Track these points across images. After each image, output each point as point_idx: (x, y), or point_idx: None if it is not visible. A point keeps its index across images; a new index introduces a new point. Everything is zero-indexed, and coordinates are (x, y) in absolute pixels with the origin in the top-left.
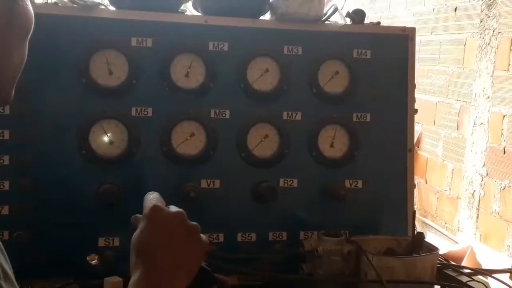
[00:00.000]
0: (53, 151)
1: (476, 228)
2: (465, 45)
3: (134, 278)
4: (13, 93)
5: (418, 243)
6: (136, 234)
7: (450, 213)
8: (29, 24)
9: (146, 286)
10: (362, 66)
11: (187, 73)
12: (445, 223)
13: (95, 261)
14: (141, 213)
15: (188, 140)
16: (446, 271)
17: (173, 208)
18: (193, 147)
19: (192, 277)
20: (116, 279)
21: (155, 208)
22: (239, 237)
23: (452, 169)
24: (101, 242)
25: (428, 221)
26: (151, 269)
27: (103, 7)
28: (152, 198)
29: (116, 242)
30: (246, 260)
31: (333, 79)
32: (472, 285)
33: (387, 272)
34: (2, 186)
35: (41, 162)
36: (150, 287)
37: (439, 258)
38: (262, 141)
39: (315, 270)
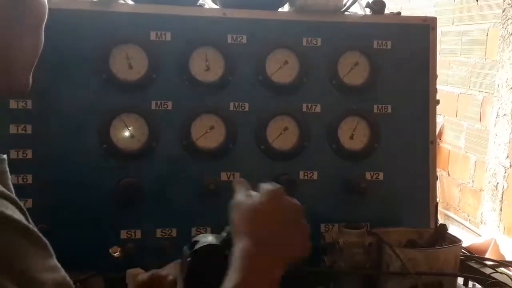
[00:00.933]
0: (75, 146)
1: (500, 220)
2: (487, 35)
3: (239, 246)
4: (30, 81)
5: (441, 235)
6: (250, 202)
7: (473, 206)
8: (41, 12)
9: (248, 257)
10: (383, 57)
11: (206, 66)
12: (468, 216)
13: (118, 253)
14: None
15: (208, 133)
16: (469, 263)
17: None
18: (212, 140)
19: (285, 267)
20: (138, 271)
21: (280, 189)
22: None
23: (475, 161)
24: (123, 234)
25: (450, 213)
26: (258, 243)
27: (121, 1)
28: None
29: (138, 234)
30: None
31: (353, 70)
32: (496, 277)
33: (409, 264)
34: (25, 180)
35: (63, 156)
36: (253, 261)
37: (462, 250)
38: (282, 134)
39: (336, 262)
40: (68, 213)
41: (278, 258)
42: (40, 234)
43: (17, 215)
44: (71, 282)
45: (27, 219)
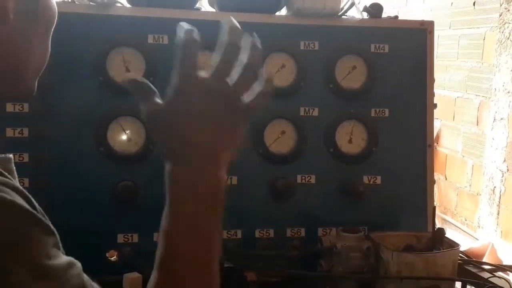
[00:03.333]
0: (71, 149)
1: (497, 224)
2: (484, 39)
3: (168, 166)
4: (35, 86)
5: (439, 239)
6: (158, 107)
7: (470, 210)
8: (52, 18)
9: (184, 170)
10: (380, 60)
11: (204, 69)
12: (465, 220)
13: (115, 257)
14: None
15: None
16: (467, 267)
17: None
18: None
19: (235, 151)
20: (135, 275)
21: (184, 76)
22: (257, 233)
23: (472, 165)
24: (120, 238)
25: (447, 217)
26: (190, 149)
27: (119, 4)
28: (184, 37)
29: (135, 238)
30: (264, 256)
31: (351, 74)
32: (494, 282)
33: (406, 269)
34: (22, 183)
35: (60, 159)
36: (192, 172)
37: (460, 255)
38: (279, 138)
39: (333, 266)
40: (65, 217)
41: (214, 162)
42: (47, 222)
43: (22, 202)
44: (80, 264)
45: (34, 208)
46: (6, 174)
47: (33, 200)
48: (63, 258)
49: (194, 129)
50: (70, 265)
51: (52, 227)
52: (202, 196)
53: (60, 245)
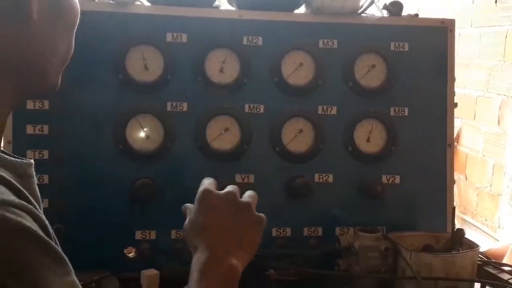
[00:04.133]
0: (91, 146)
1: None
2: (506, 37)
3: (194, 258)
4: (59, 81)
5: (458, 240)
6: (188, 220)
7: (491, 210)
8: (75, 16)
9: (207, 260)
10: (400, 59)
11: (222, 68)
12: (485, 220)
13: (132, 254)
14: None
15: (223, 135)
16: (487, 268)
17: (225, 189)
18: (227, 142)
19: (254, 251)
20: (153, 271)
21: (204, 191)
22: (274, 232)
23: (493, 165)
24: (138, 235)
25: (467, 218)
26: (209, 246)
27: (138, 3)
28: (203, 183)
29: (153, 235)
30: (281, 255)
31: (370, 72)
32: None
33: (425, 269)
34: (41, 180)
35: (79, 156)
36: (212, 261)
37: (479, 256)
38: (297, 136)
39: (351, 266)
40: (84, 213)
41: (231, 252)
42: (59, 249)
43: (34, 226)
44: None
45: (46, 231)
46: (26, 194)
47: (47, 224)
48: None
49: (218, 235)
50: None
51: (63, 255)
52: (223, 283)
53: (73, 274)
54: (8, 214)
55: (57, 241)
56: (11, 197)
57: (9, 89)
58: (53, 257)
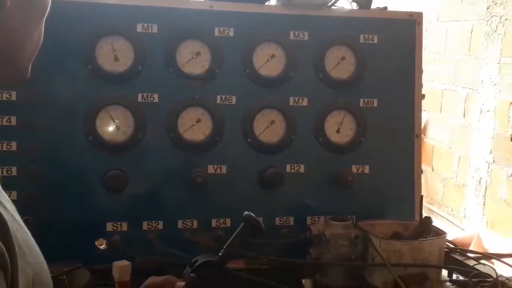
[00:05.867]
0: (60, 137)
1: (483, 215)
2: (471, 32)
3: None
4: (29, 70)
5: (426, 227)
6: None
7: (457, 201)
8: (46, 5)
9: None
10: (369, 51)
11: (193, 59)
12: (452, 211)
13: (104, 245)
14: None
15: (195, 126)
16: (453, 255)
17: None
18: (199, 133)
19: None
20: (124, 262)
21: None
22: None
23: (459, 157)
24: (109, 227)
25: (434, 208)
26: None
27: None
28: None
29: (124, 227)
30: (253, 245)
31: (340, 64)
32: (479, 269)
33: (394, 256)
34: (10, 172)
35: (48, 148)
36: None
37: (446, 243)
38: (269, 127)
39: (322, 254)
40: (54, 205)
41: None
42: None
43: None
44: None
45: (4, 235)
46: None
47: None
48: None
49: None
50: None
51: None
52: None
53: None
54: None
55: (16, 240)
56: None
57: None
58: None
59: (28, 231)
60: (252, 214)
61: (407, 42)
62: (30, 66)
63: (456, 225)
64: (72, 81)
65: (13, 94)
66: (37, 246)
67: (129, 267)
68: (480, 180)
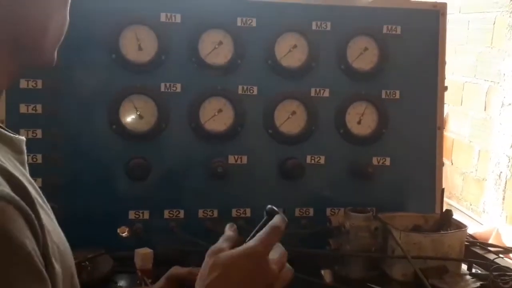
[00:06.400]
0: (84, 126)
1: (502, 209)
2: (494, 24)
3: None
4: (55, 56)
5: (447, 220)
6: (224, 255)
7: (476, 195)
8: None
9: None
10: (392, 42)
11: (215, 49)
12: (470, 205)
13: (126, 233)
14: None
15: (216, 116)
16: (473, 249)
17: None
18: (221, 123)
19: None
20: (147, 250)
21: (262, 251)
22: None
23: (479, 150)
24: (131, 215)
25: (453, 202)
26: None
27: None
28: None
29: (146, 215)
30: None
31: (362, 55)
32: (499, 263)
33: (414, 248)
34: (35, 159)
35: (73, 136)
36: None
37: (467, 236)
38: (290, 118)
39: (342, 245)
40: (78, 193)
41: None
42: (40, 267)
43: (21, 235)
44: None
45: (32, 227)
46: (17, 176)
47: (32, 216)
48: None
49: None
50: None
51: (43, 272)
52: None
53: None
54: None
55: (47, 236)
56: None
57: (4, 61)
58: (32, 277)
59: (53, 217)
60: (275, 208)
61: (431, 33)
62: (56, 52)
63: (475, 220)
64: (97, 70)
65: (39, 82)
66: (61, 231)
67: (151, 255)
68: (500, 175)
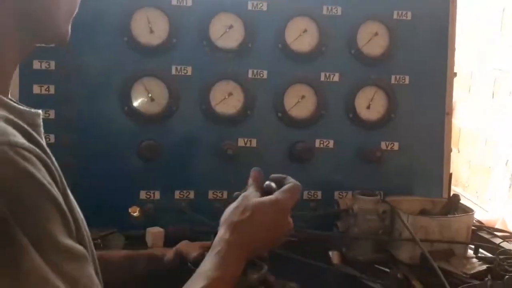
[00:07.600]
0: (96, 107)
1: (509, 197)
2: (504, 10)
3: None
4: (69, 32)
5: (454, 205)
6: (232, 209)
7: (482, 183)
8: None
9: (228, 244)
10: (402, 27)
11: (226, 32)
12: (476, 193)
13: (137, 213)
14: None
15: (226, 99)
16: (480, 233)
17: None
18: (231, 106)
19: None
20: (158, 229)
21: (287, 201)
22: None
23: (486, 139)
24: (143, 195)
25: (459, 190)
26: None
27: None
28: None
29: (157, 195)
30: None
31: (372, 40)
32: (505, 247)
33: (421, 232)
34: (48, 140)
35: (85, 117)
36: (231, 247)
37: (473, 221)
38: (299, 102)
39: (350, 228)
40: (90, 173)
41: (245, 256)
42: (64, 207)
43: (43, 175)
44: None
45: (55, 179)
46: (35, 135)
47: (55, 170)
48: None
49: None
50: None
51: (67, 211)
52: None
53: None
54: (17, 158)
55: (67, 190)
56: (21, 139)
57: (16, 35)
58: (55, 206)
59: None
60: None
61: (441, 18)
62: (69, 27)
63: (481, 208)
64: (108, 52)
65: (52, 63)
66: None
67: (162, 234)
68: (507, 163)
